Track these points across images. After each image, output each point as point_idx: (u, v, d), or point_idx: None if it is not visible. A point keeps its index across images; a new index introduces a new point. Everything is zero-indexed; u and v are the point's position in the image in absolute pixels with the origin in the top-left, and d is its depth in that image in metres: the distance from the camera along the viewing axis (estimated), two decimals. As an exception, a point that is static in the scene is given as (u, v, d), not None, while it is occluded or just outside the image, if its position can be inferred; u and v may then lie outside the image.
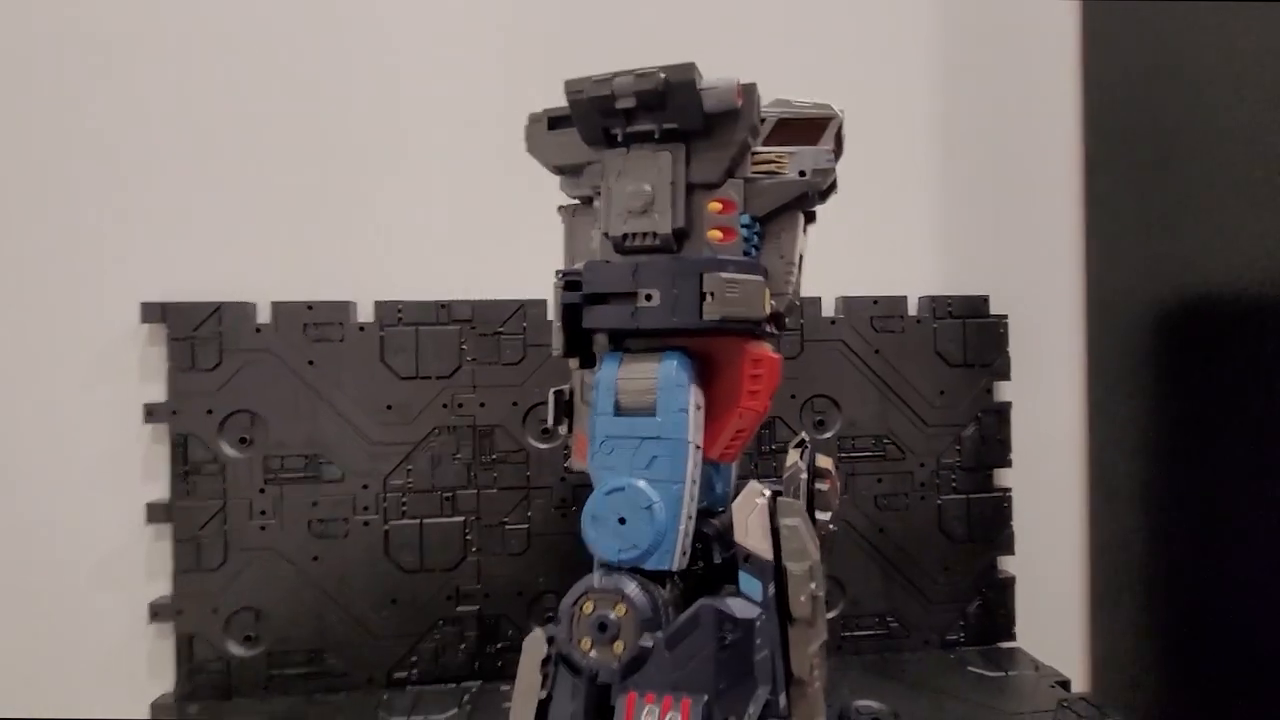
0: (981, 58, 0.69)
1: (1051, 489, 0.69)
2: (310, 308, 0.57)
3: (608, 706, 0.30)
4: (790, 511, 0.31)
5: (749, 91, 0.32)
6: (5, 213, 0.57)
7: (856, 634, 0.63)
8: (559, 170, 0.36)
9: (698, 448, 0.32)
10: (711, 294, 0.31)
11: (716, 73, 0.32)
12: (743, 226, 0.33)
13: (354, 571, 0.58)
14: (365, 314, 0.59)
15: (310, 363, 0.57)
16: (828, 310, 0.64)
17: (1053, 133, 0.69)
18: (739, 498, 0.32)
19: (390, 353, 0.58)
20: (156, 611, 0.56)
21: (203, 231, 0.59)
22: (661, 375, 0.31)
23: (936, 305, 0.64)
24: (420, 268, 0.61)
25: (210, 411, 0.56)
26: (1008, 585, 0.65)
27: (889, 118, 0.67)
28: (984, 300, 0.65)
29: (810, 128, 0.35)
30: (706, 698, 0.29)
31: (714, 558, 0.35)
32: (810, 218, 0.37)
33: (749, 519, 0.31)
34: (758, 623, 0.29)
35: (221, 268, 0.59)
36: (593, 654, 0.30)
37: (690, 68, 0.31)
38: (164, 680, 0.58)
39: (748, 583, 0.30)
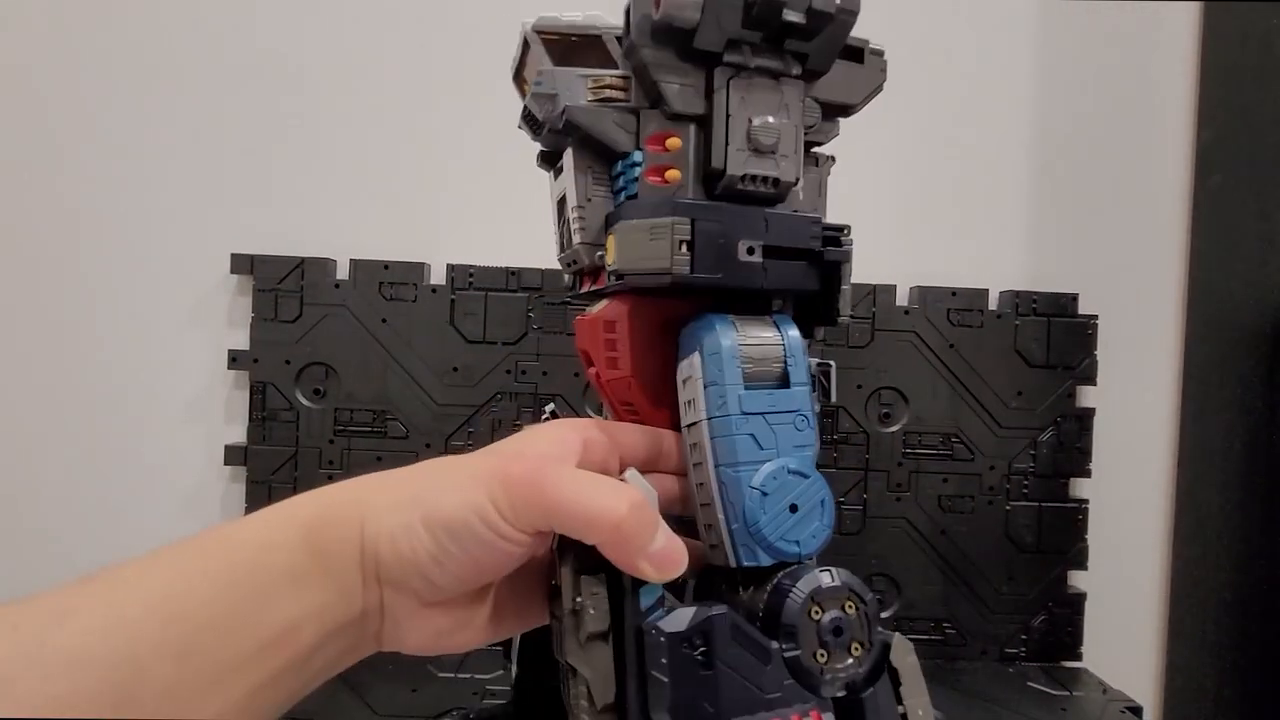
0: (1088, 47, 0.65)
1: (1133, 504, 0.64)
2: (386, 267, 0.59)
3: None
4: None
5: None
6: (122, 169, 0.61)
7: (910, 636, 0.60)
8: None
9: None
10: None
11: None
12: None
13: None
14: (438, 276, 0.60)
15: (384, 320, 0.59)
16: (902, 300, 0.61)
17: (1162, 131, 0.65)
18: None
19: (459, 316, 0.59)
20: (228, 548, 0.59)
21: (292, 190, 0.62)
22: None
23: (1020, 301, 0.61)
24: (493, 233, 0.62)
25: (288, 362, 0.59)
26: (1077, 601, 0.62)
27: (983, 102, 0.64)
28: (1073, 299, 0.62)
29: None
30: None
31: None
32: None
33: None
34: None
35: (307, 225, 0.61)
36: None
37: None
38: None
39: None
